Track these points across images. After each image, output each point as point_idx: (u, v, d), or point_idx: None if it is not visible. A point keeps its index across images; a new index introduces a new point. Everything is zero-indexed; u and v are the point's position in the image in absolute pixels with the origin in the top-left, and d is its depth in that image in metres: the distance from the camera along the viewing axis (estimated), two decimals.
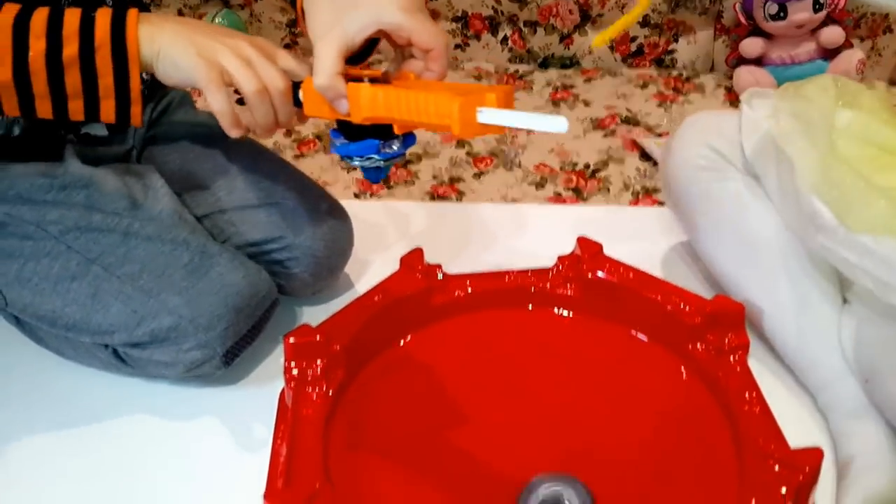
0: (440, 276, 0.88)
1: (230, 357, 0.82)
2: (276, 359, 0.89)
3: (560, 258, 0.90)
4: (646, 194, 1.21)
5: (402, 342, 0.86)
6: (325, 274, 0.93)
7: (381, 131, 0.69)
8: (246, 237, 0.89)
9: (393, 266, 0.87)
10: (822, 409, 0.80)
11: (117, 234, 0.80)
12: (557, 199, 1.21)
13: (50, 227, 0.80)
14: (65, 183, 0.82)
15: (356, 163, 0.71)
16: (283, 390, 0.82)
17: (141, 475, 0.77)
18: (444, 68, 0.68)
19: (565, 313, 0.89)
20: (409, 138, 0.72)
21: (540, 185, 1.24)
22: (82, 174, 0.83)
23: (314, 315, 0.84)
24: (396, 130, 0.69)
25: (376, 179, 0.74)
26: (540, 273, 0.90)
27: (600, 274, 0.86)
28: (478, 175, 1.27)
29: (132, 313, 0.79)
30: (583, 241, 0.89)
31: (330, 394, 0.77)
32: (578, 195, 1.22)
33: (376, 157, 0.70)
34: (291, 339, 0.78)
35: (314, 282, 0.92)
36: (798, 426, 0.76)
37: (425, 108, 0.62)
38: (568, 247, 0.90)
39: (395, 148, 0.71)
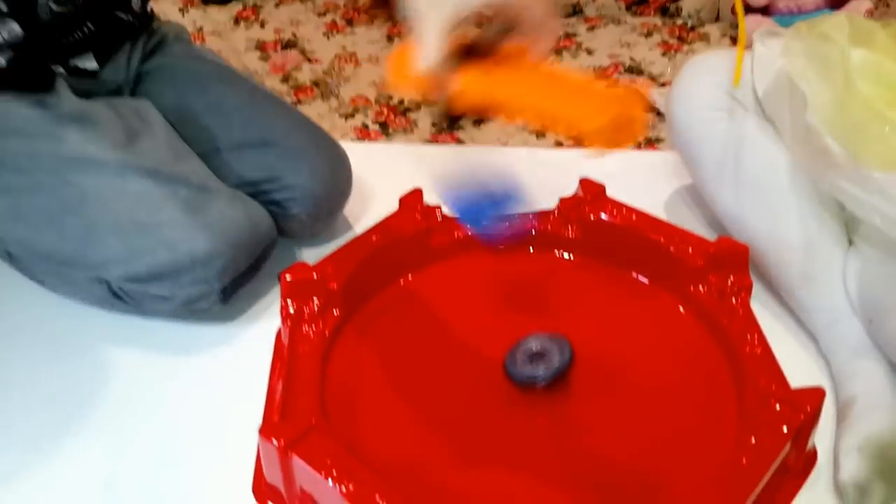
0: (439, 216, 0.87)
1: (228, 294, 0.81)
2: (273, 298, 0.88)
3: (562, 199, 0.89)
4: (648, 144, 1.19)
5: (399, 283, 0.85)
6: (324, 215, 0.92)
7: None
8: (242, 177, 0.87)
9: (392, 208, 0.86)
10: (823, 351, 0.79)
11: (113, 166, 0.79)
12: (558, 147, 1.19)
13: (44, 160, 0.79)
14: (58, 116, 0.80)
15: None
16: (279, 329, 0.81)
17: (137, 411, 0.77)
18: (548, 48, 0.62)
19: (566, 255, 0.88)
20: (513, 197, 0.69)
21: (541, 133, 1.23)
22: (76, 107, 0.81)
23: (313, 257, 0.82)
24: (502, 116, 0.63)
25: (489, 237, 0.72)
26: (542, 215, 0.89)
27: (602, 216, 0.85)
28: (477, 123, 1.25)
29: (129, 248, 0.78)
30: (585, 183, 0.88)
31: (326, 332, 0.76)
32: (579, 143, 1.20)
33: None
34: (287, 277, 0.77)
35: (312, 223, 0.91)
36: (799, 370, 0.76)
37: (553, 107, 0.55)
38: (570, 191, 0.89)
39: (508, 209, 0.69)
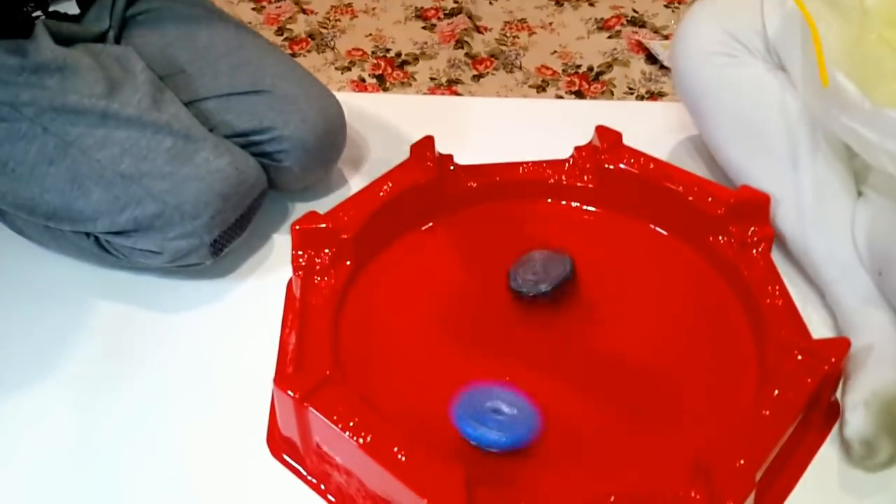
0: (452, 165, 0.86)
1: (218, 247, 0.79)
2: (267, 253, 0.86)
3: (577, 148, 0.87)
4: (651, 98, 1.17)
5: (412, 232, 0.84)
6: (317, 167, 0.89)
7: None
8: (231, 127, 0.85)
9: (393, 162, 0.84)
10: (830, 304, 0.78)
11: (95, 115, 0.77)
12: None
13: (24, 109, 0.76)
14: (37, 64, 0.77)
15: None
16: (290, 279, 0.80)
17: (137, 367, 0.76)
18: None
19: (581, 206, 0.87)
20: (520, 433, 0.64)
21: (541, 87, 1.20)
22: (56, 55, 0.78)
23: (307, 210, 0.80)
24: None
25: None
26: (556, 164, 0.87)
27: (620, 164, 0.83)
28: (477, 77, 1.22)
29: (114, 199, 0.76)
30: (601, 131, 0.86)
31: (339, 283, 0.75)
32: (581, 98, 1.18)
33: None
34: (298, 227, 0.76)
35: (305, 175, 0.89)
36: (823, 323, 0.75)
37: None
38: (583, 140, 0.87)
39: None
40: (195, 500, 0.65)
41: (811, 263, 0.80)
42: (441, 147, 0.86)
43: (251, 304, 0.81)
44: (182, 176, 0.76)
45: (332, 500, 0.64)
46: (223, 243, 0.79)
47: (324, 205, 0.80)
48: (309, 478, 0.66)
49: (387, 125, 1.03)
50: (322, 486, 0.65)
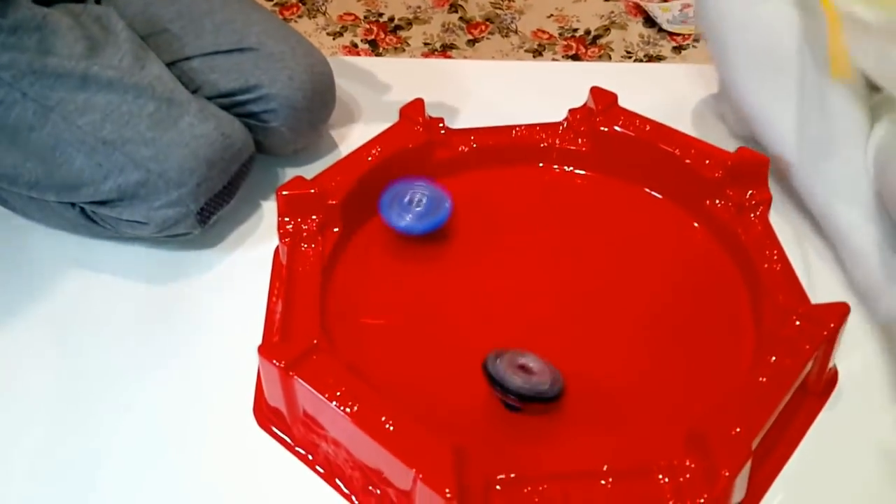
0: (442, 129, 0.84)
1: (205, 216, 0.77)
2: (257, 221, 0.84)
3: (572, 111, 0.85)
4: (649, 62, 1.15)
5: None
6: (306, 128, 0.87)
7: None
8: (216, 87, 0.82)
9: (383, 125, 0.82)
10: (842, 259, 0.76)
11: (75, 78, 0.74)
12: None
13: (2, 73, 0.74)
14: (14, 24, 0.75)
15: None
16: (277, 247, 0.79)
17: (128, 337, 0.74)
18: None
19: (576, 170, 0.85)
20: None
21: (538, 52, 1.18)
22: (33, 15, 0.76)
23: (298, 175, 0.78)
24: None
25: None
26: (550, 127, 0.85)
27: (615, 127, 0.82)
28: (472, 42, 1.20)
29: (97, 167, 0.74)
30: (596, 92, 0.84)
31: (326, 250, 0.74)
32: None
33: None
34: (284, 192, 0.74)
35: (294, 137, 0.86)
36: (821, 288, 0.74)
37: None
38: (579, 104, 0.85)
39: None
40: (180, 472, 0.64)
41: (824, 216, 0.78)
42: (434, 111, 0.84)
43: (240, 272, 0.79)
44: (166, 142, 0.74)
45: (321, 471, 0.63)
46: (210, 211, 0.77)
47: (314, 170, 0.78)
48: (297, 448, 0.65)
49: (379, 89, 1.01)
50: (310, 457, 0.64)
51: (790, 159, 0.80)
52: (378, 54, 1.17)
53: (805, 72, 0.79)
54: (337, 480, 0.62)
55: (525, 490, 0.56)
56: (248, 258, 0.80)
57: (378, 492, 0.59)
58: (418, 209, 0.77)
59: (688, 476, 0.56)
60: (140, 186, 0.74)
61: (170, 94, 0.76)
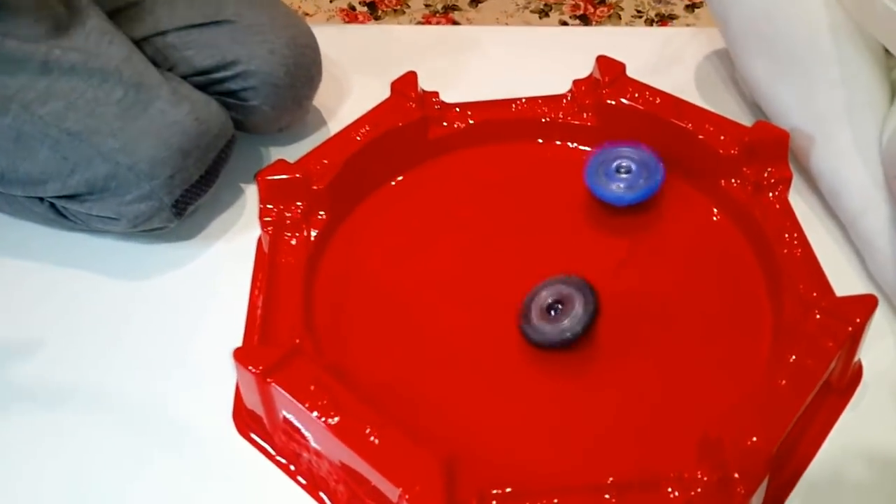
0: (437, 104, 0.78)
1: (181, 208, 0.72)
2: (241, 208, 0.79)
3: (576, 82, 0.80)
4: (661, 22, 1.08)
5: (393, 182, 0.77)
6: (290, 105, 0.81)
7: None
8: (192, 65, 0.77)
9: (375, 99, 0.77)
10: (854, 241, 0.71)
11: (35, 63, 0.69)
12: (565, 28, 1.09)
13: None
14: None
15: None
16: (260, 236, 0.74)
17: (102, 336, 0.70)
18: None
19: (581, 147, 0.80)
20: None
21: (544, 12, 1.12)
22: None
23: (284, 156, 0.73)
24: None
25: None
26: (552, 100, 0.80)
27: (622, 99, 0.76)
28: (475, 3, 1.14)
29: (62, 160, 0.69)
30: (603, 62, 0.78)
31: (311, 240, 0.70)
32: (586, 24, 1.09)
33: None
34: (265, 177, 0.70)
35: (278, 115, 0.81)
36: (847, 277, 0.68)
37: None
38: (586, 72, 0.80)
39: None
40: (156, 479, 0.60)
41: (834, 194, 0.73)
42: (431, 83, 0.79)
43: (221, 264, 0.75)
44: (135, 132, 0.69)
45: (303, 482, 0.59)
46: (187, 203, 0.73)
47: (302, 149, 0.73)
48: (277, 457, 0.61)
49: (373, 60, 0.96)
50: (292, 467, 0.60)
51: (797, 134, 0.75)
52: (377, 17, 1.12)
53: (814, 39, 0.73)
54: (321, 493, 0.58)
55: None
56: (230, 249, 0.76)
57: None
58: (627, 176, 0.72)
59: (699, 490, 0.52)
60: (109, 180, 0.69)
61: (139, 77, 0.71)
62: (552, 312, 0.63)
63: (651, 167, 0.72)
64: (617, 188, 0.72)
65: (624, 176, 0.72)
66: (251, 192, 0.80)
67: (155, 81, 0.71)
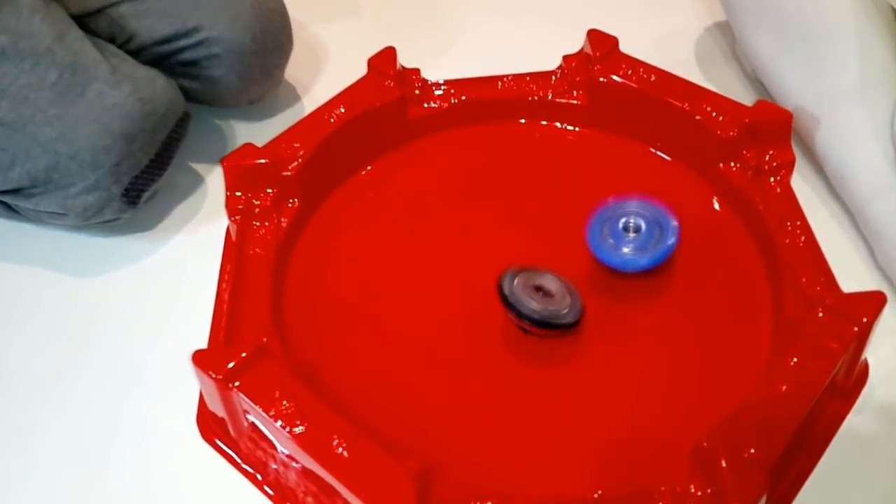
0: (417, 82, 0.74)
1: (134, 196, 0.68)
2: (201, 195, 0.75)
3: (566, 58, 0.75)
4: None
5: (369, 166, 0.73)
6: (258, 75, 0.77)
7: None
8: (151, 34, 0.72)
9: (353, 71, 0.73)
10: (862, 230, 0.68)
11: None
12: None
13: None
14: None
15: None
16: (228, 225, 0.70)
17: (56, 334, 0.67)
18: None
19: (571, 127, 0.76)
20: None
21: None
22: None
23: (255, 134, 0.69)
24: None
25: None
26: (540, 77, 0.75)
27: (614, 76, 0.72)
28: None
29: (1, 151, 0.65)
30: (594, 36, 0.74)
31: (282, 230, 0.66)
32: None
33: None
34: (232, 163, 0.66)
35: (245, 86, 0.76)
36: (850, 269, 0.65)
37: None
38: (576, 47, 0.75)
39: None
40: (113, 488, 0.57)
41: (840, 178, 0.70)
42: (410, 59, 0.75)
43: (185, 256, 0.71)
44: (73, 118, 0.64)
45: (271, 493, 0.56)
46: (139, 190, 0.68)
47: (273, 125, 0.70)
48: (244, 466, 0.57)
49: (348, 27, 0.91)
50: (258, 476, 0.57)
51: (801, 114, 0.71)
52: None
53: (822, 10, 0.69)
54: None
55: None
56: (194, 239, 0.72)
57: None
58: (636, 236, 0.62)
59: None
60: (51, 171, 0.65)
61: (73, 57, 0.66)
62: (541, 293, 0.60)
63: (663, 223, 0.63)
64: (626, 251, 0.62)
65: (632, 236, 0.63)
66: (216, 176, 0.76)
67: (91, 60, 0.66)
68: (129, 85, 0.66)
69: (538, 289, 0.60)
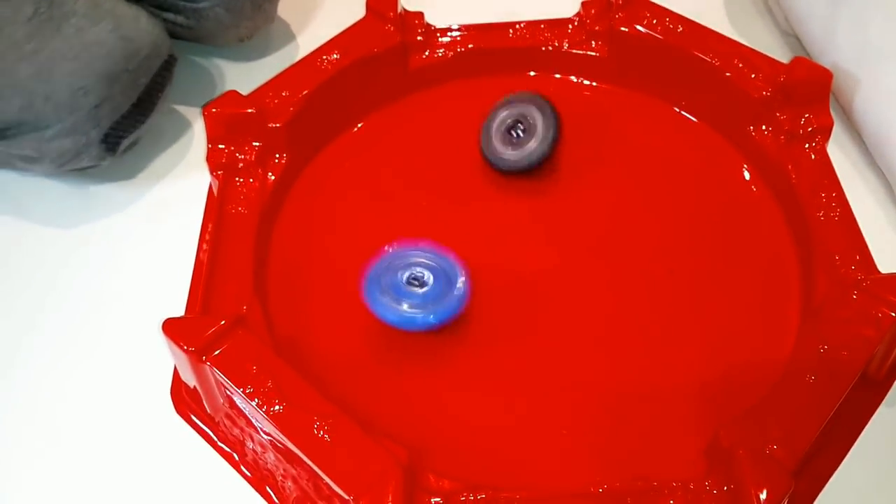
0: (420, 28, 0.70)
1: (114, 142, 0.65)
2: (185, 144, 0.72)
3: (585, 4, 0.71)
4: None
5: (365, 119, 0.70)
6: (248, 9, 0.72)
7: None
8: None
9: (354, 8, 0.69)
10: None
11: None
12: None
13: None
14: None
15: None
16: (210, 182, 0.67)
17: (24, 293, 0.64)
18: None
19: (588, 81, 0.72)
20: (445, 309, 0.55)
21: None
22: None
23: (244, 79, 0.65)
24: None
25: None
26: (555, 25, 0.72)
27: (638, 26, 0.68)
28: None
29: None
30: None
31: (268, 187, 0.63)
32: None
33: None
34: (214, 110, 0.63)
35: (235, 21, 0.72)
36: (889, 248, 0.61)
37: None
38: None
39: (431, 319, 0.54)
40: (78, 463, 0.55)
41: (881, 144, 0.66)
42: (412, 2, 0.71)
43: (168, 210, 0.68)
44: (49, 54, 0.61)
45: (248, 474, 0.54)
46: (120, 136, 0.65)
47: (265, 68, 0.66)
48: (220, 444, 0.55)
49: None
50: (235, 456, 0.54)
51: (839, 72, 0.67)
52: None
53: None
54: (267, 489, 0.53)
55: None
56: (178, 191, 0.69)
57: None
58: (422, 291, 0.55)
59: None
60: (25, 112, 0.61)
61: None
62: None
63: (449, 274, 0.56)
64: (406, 307, 0.55)
65: (417, 290, 0.55)
66: (202, 123, 0.73)
67: None
68: (110, 20, 0.63)
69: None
